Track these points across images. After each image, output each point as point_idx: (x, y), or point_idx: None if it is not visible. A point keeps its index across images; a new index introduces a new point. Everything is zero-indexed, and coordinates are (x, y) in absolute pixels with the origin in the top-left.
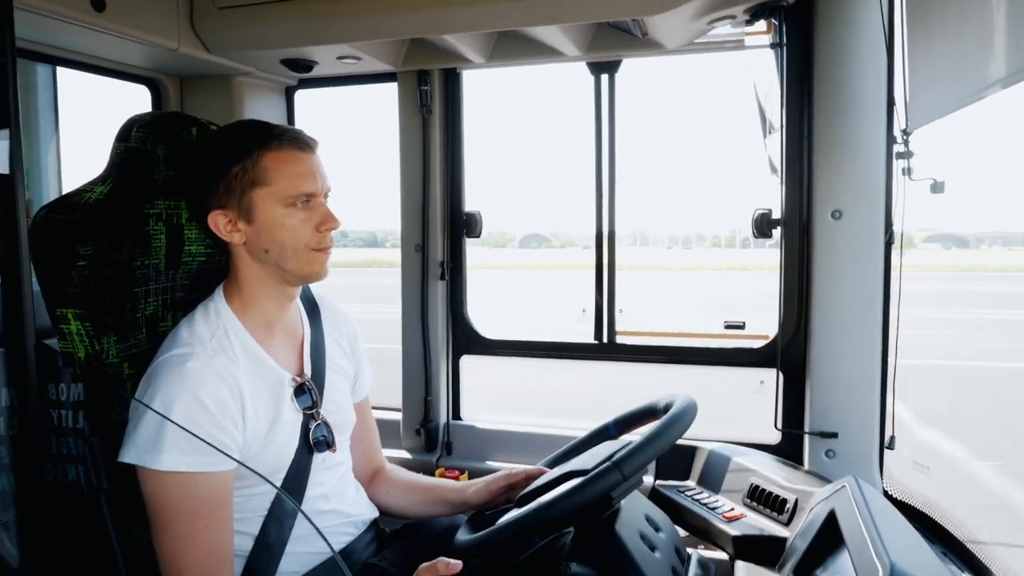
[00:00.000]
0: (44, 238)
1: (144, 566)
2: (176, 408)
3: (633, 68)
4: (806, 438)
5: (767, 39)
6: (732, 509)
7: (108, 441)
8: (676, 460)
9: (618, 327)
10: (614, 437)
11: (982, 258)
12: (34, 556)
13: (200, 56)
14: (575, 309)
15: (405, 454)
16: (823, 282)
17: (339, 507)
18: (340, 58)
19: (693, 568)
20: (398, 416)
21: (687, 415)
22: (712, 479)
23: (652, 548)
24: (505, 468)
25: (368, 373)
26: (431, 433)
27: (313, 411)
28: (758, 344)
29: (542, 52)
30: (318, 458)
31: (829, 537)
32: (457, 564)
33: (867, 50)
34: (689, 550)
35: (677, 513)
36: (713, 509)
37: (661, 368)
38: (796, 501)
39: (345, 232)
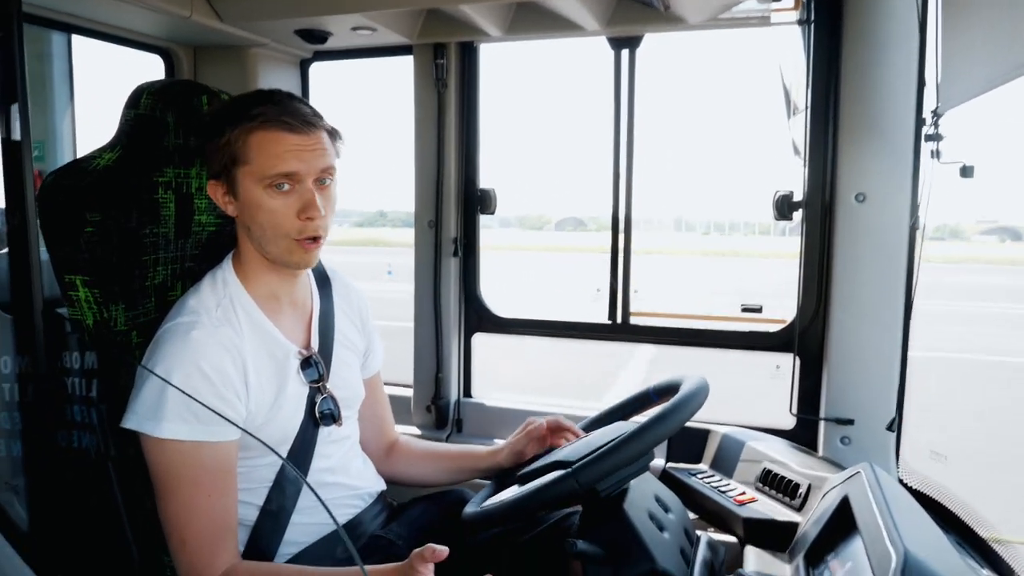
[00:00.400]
0: (52, 204)
1: (151, 533)
2: (177, 378)
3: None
4: (821, 424)
5: (794, 15)
6: (744, 493)
7: (115, 408)
8: (688, 443)
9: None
10: (655, 403)
11: None
12: (43, 520)
13: (213, 25)
14: (591, 289)
15: (415, 430)
16: (844, 266)
17: (345, 480)
18: (355, 29)
19: (702, 550)
20: (409, 392)
21: (685, 407)
22: (724, 463)
23: (661, 528)
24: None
25: (379, 348)
26: (442, 410)
27: (319, 385)
28: (775, 328)
29: (561, 26)
30: (324, 431)
31: (842, 523)
32: (443, 550)
33: (898, 27)
34: (699, 532)
35: (688, 495)
36: (724, 492)
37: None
38: (809, 487)
39: (384, 212)
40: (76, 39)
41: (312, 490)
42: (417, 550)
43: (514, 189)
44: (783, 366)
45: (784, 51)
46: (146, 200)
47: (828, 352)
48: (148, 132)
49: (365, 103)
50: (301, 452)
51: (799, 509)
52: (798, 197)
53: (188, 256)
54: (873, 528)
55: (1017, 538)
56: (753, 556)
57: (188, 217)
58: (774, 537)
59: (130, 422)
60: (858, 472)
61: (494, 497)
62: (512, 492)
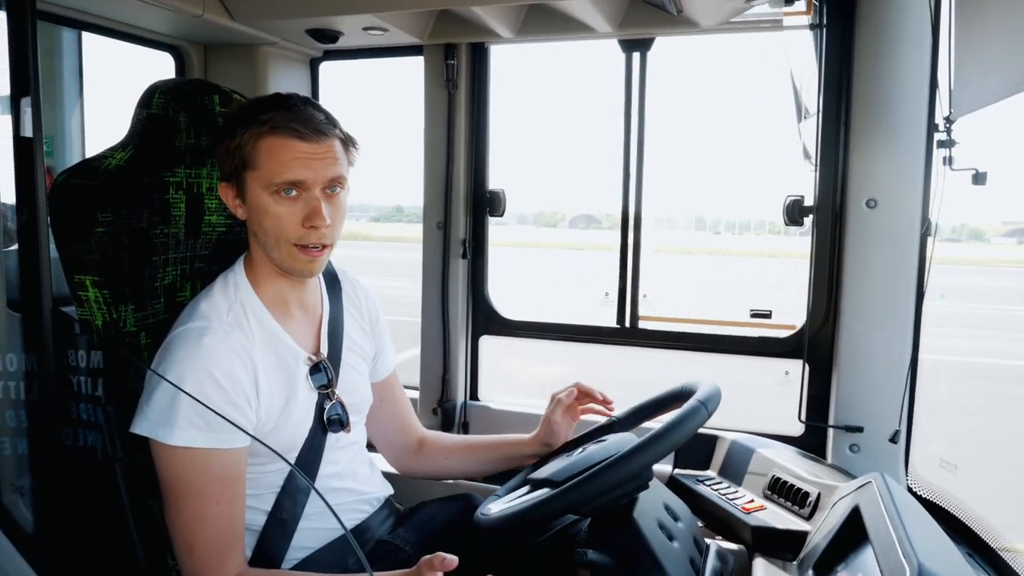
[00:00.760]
0: (63, 203)
1: (157, 536)
2: (188, 384)
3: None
4: (830, 431)
5: (806, 19)
6: (752, 501)
7: (123, 410)
8: (696, 449)
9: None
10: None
11: None
12: (48, 522)
13: (224, 23)
14: (600, 292)
15: None
16: (855, 273)
17: (352, 485)
18: (366, 29)
19: (711, 559)
20: (415, 394)
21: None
22: (733, 470)
23: (670, 537)
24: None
25: (391, 349)
26: (448, 413)
27: (328, 390)
28: (784, 334)
29: (573, 28)
30: (332, 437)
31: (852, 533)
32: (453, 559)
33: (911, 33)
34: (707, 541)
35: (695, 502)
36: (733, 500)
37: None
38: (819, 495)
39: (401, 208)
40: (86, 35)
41: (321, 496)
42: (426, 558)
43: (531, 186)
44: (792, 372)
45: (795, 55)
46: (157, 200)
47: (837, 359)
48: (160, 131)
49: (379, 99)
50: (309, 458)
51: (808, 518)
52: (809, 202)
53: (198, 256)
54: (885, 539)
55: None
56: (762, 567)
57: (198, 217)
58: (783, 546)
59: (141, 427)
60: (869, 482)
61: (502, 501)
62: (525, 499)
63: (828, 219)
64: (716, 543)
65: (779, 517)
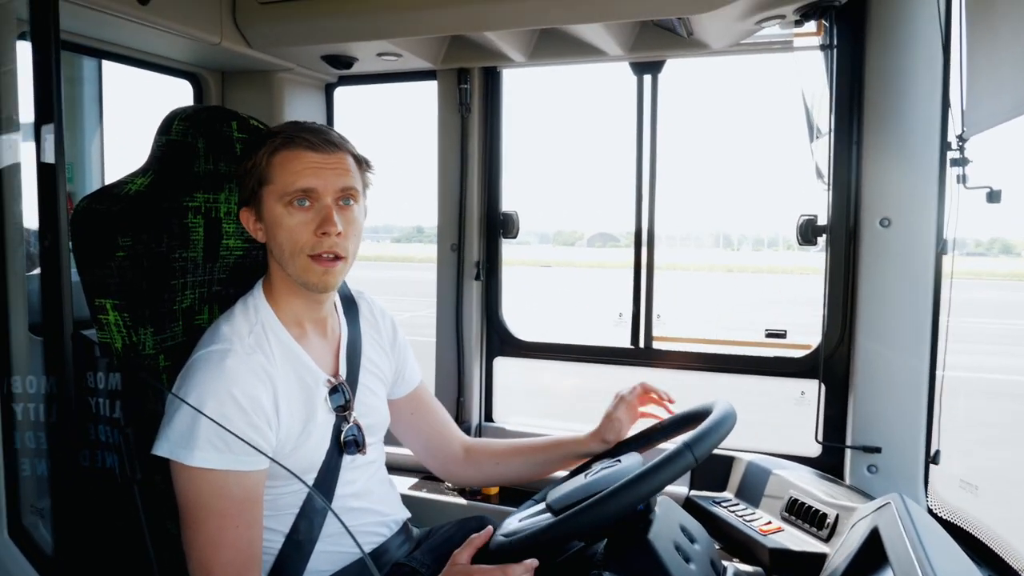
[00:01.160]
0: (84, 229)
1: (174, 558)
2: (210, 406)
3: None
4: (848, 452)
5: (817, 40)
6: (770, 523)
7: (143, 432)
8: (712, 470)
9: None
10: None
11: None
12: (68, 543)
13: (241, 51)
14: (614, 312)
15: None
16: (870, 292)
17: (370, 505)
18: (380, 55)
19: None
20: None
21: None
22: (750, 491)
23: (687, 559)
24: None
25: (414, 363)
26: None
27: (346, 412)
28: (800, 354)
29: (584, 51)
30: (348, 458)
31: (871, 555)
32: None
33: (922, 52)
34: (725, 563)
35: (712, 523)
36: (750, 522)
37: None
38: (837, 517)
39: (421, 228)
40: (106, 63)
41: (337, 517)
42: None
43: (549, 206)
44: (808, 392)
45: (806, 75)
46: (176, 225)
47: (854, 378)
48: (180, 157)
49: (396, 122)
50: (326, 480)
51: (827, 540)
52: (822, 221)
53: (216, 280)
54: (905, 562)
55: None
56: None
57: (216, 241)
58: (801, 568)
59: (162, 449)
60: (888, 503)
61: (516, 519)
62: (539, 520)
63: (842, 238)
64: (733, 565)
65: (797, 539)
